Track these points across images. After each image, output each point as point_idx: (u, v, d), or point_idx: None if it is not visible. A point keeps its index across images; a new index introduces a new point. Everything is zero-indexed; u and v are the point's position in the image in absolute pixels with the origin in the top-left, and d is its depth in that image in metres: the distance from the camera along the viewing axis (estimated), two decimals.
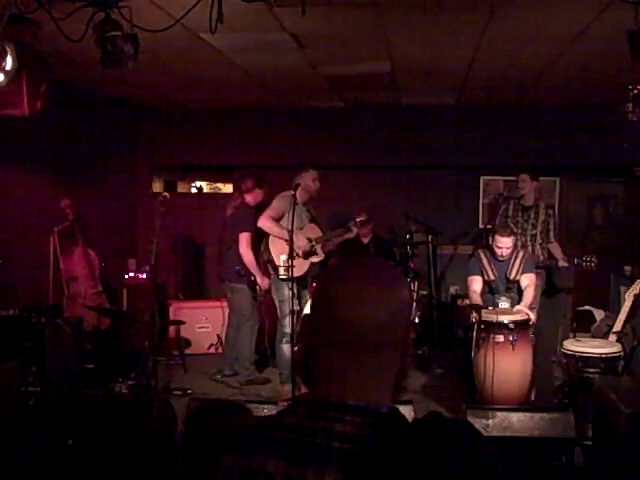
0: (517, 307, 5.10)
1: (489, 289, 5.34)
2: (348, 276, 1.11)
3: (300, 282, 5.36)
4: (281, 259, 5.19)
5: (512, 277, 5.30)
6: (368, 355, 1.07)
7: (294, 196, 5.10)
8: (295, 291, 5.10)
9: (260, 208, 5.89)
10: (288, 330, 5.18)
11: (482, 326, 4.88)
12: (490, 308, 5.09)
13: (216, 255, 8.04)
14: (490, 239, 5.79)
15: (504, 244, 5.26)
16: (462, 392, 5.43)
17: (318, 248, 5.42)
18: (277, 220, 5.45)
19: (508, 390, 4.79)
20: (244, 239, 5.83)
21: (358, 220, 5.83)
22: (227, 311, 7.01)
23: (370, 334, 1.06)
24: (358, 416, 1.04)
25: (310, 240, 5.41)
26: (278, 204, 5.49)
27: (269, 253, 5.45)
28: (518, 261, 5.32)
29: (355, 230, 5.74)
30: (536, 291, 5.43)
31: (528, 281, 5.30)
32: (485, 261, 5.38)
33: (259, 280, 5.82)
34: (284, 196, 5.47)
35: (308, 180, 5.46)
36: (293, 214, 4.96)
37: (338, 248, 6.07)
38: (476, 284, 5.38)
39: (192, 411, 2.37)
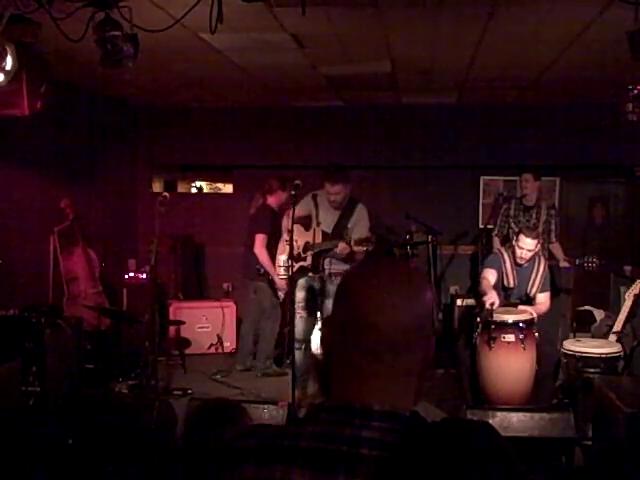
0: (522, 306, 5.08)
1: (505, 295, 5.24)
2: (373, 280, 1.09)
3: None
4: (281, 260, 5.19)
5: (532, 294, 5.18)
6: (392, 359, 1.06)
7: (294, 196, 5.06)
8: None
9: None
10: (297, 337, 5.25)
11: (492, 326, 4.86)
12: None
13: (216, 255, 8.07)
14: (513, 239, 5.57)
15: (527, 245, 5.07)
16: (462, 392, 5.42)
17: (308, 255, 5.32)
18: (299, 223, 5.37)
19: (516, 389, 4.78)
20: (259, 240, 6.07)
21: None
22: (227, 311, 7.05)
23: (395, 338, 1.05)
24: (385, 422, 1.02)
25: (308, 245, 5.35)
26: (286, 221, 5.48)
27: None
28: (539, 277, 5.17)
29: (339, 249, 5.14)
30: (540, 309, 5.24)
31: (543, 301, 5.20)
32: (508, 264, 5.19)
33: (275, 279, 5.99)
34: (302, 202, 5.39)
35: (323, 192, 5.31)
36: (293, 214, 4.94)
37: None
38: (492, 276, 5.19)
39: (193, 413, 2.38)
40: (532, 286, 5.21)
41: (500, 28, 4.55)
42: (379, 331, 1.04)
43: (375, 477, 0.97)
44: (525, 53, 5.27)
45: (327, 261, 5.26)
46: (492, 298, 4.89)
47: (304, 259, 5.30)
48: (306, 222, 5.42)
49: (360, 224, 5.31)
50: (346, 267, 5.12)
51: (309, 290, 5.37)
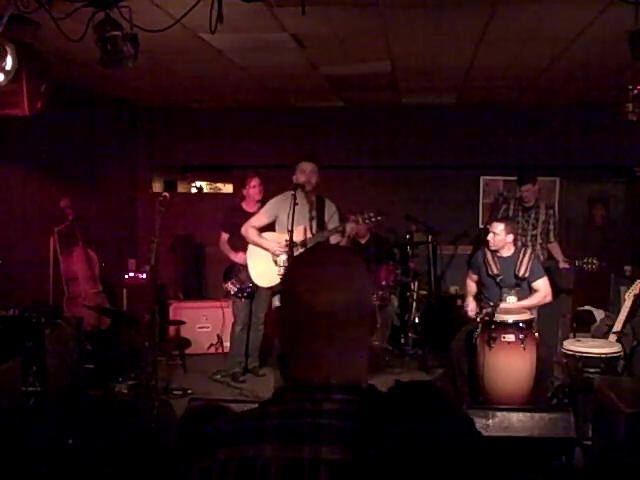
0: (511, 303, 5.07)
1: (495, 283, 5.28)
2: (311, 265, 1.19)
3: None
4: (281, 260, 5.10)
5: (521, 274, 5.20)
6: (340, 335, 1.12)
7: (294, 196, 5.01)
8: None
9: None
10: None
11: (492, 326, 4.86)
12: (493, 303, 5.04)
13: (216, 255, 8.05)
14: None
15: (492, 228, 5.26)
16: (462, 392, 5.42)
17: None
18: (268, 225, 5.29)
19: (516, 389, 4.77)
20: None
21: (351, 221, 5.24)
22: (227, 311, 7.04)
23: (340, 315, 1.11)
24: (343, 394, 1.09)
25: (306, 241, 5.28)
26: (265, 209, 5.37)
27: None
28: (526, 259, 5.22)
29: (349, 229, 5.20)
30: (545, 298, 5.23)
31: (543, 287, 5.18)
32: (489, 255, 5.32)
33: None
34: (276, 200, 5.33)
35: (298, 175, 5.14)
36: (293, 214, 4.89)
37: None
38: (470, 279, 5.52)
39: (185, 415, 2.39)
40: (520, 267, 5.20)
41: (500, 28, 4.55)
42: (320, 311, 1.11)
43: (339, 445, 1.02)
44: (525, 53, 5.27)
45: None
46: (468, 306, 5.33)
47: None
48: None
49: (334, 218, 5.32)
50: None
51: None
